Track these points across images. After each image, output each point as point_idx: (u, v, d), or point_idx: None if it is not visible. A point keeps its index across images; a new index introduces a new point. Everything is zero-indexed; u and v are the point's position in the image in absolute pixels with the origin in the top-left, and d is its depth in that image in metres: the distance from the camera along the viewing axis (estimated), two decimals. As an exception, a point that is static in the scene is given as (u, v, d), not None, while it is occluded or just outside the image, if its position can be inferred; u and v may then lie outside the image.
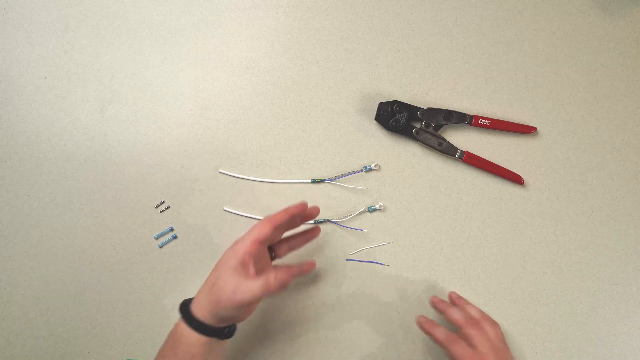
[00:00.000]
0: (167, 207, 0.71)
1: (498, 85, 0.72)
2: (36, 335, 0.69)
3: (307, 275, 0.64)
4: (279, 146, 0.72)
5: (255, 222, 0.69)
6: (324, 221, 0.70)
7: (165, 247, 0.70)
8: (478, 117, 0.70)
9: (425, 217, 0.69)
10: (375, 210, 0.69)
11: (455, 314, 0.62)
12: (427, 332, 0.62)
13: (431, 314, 0.67)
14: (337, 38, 0.73)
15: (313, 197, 0.70)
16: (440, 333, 0.60)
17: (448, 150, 0.69)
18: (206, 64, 0.74)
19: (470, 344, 0.58)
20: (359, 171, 0.71)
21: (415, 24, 0.73)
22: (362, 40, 0.73)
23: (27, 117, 0.73)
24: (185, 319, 0.55)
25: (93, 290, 0.69)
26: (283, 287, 0.53)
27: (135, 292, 0.70)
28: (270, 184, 0.71)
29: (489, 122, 0.69)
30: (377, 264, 0.69)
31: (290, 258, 0.65)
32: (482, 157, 0.69)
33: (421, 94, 0.72)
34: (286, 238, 0.63)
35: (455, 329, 0.61)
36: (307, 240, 0.64)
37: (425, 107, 0.70)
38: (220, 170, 0.71)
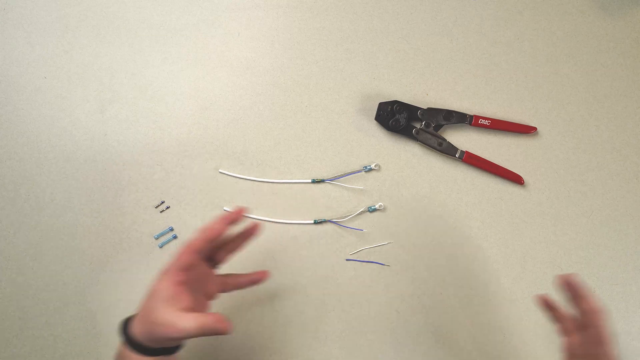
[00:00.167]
0: (167, 207, 0.71)
1: (498, 85, 0.72)
2: (36, 335, 0.69)
3: (259, 284, 0.60)
4: (279, 146, 0.72)
5: (255, 222, 0.70)
6: (324, 221, 0.70)
7: (165, 247, 0.70)
8: (478, 117, 0.70)
9: (425, 217, 0.69)
10: (375, 210, 0.69)
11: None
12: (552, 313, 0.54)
13: (433, 313, 0.67)
14: (337, 38, 0.73)
15: (313, 197, 0.70)
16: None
17: (448, 150, 0.69)
18: (206, 64, 0.74)
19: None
20: (359, 171, 0.71)
21: (415, 24, 0.73)
22: (362, 40, 0.73)
23: (27, 117, 0.73)
24: (128, 343, 0.52)
25: (93, 290, 0.69)
26: (219, 334, 0.49)
27: (135, 292, 0.69)
28: (270, 184, 0.71)
29: (489, 122, 0.69)
30: (377, 264, 0.69)
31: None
32: (482, 157, 0.69)
33: (421, 94, 0.72)
34: (224, 242, 0.58)
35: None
36: (246, 240, 0.59)
37: (425, 107, 0.70)
38: (220, 170, 0.71)
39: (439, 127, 0.70)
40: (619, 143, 0.70)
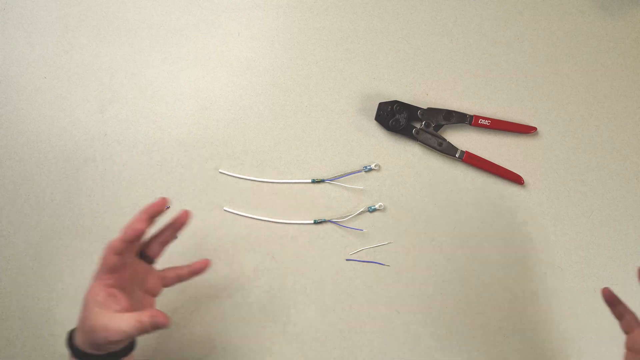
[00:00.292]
0: (167, 207, 0.70)
1: (498, 85, 0.72)
2: (36, 335, 0.69)
3: (202, 274, 0.59)
4: (279, 146, 0.72)
5: (255, 222, 0.70)
6: (324, 221, 0.70)
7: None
8: (478, 117, 0.70)
9: (425, 217, 0.69)
10: (375, 210, 0.69)
11: None
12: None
13: (432, 313, 0.67)
14: (337, 38, 0.73)
15: (313, 197, 0.70)
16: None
17: (448, 150, 0.69)
18: (206, 64, 0.74)
19: None
20: (359, 171, 0.71)
21: (415, 24, 0.73)
22: (362, 40, 0.73)
23: (27, 117, 0.73)
24: (74, 354, 0.51)
25: (93, 290, 0.69)
26: (159, 328, 0.48)
27: (135, 292, 0.70)
28: (270, 184, 0.71)
29: (489, 122, 0.69)
30: (377, 264, 0.69)
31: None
32: (482, 157, 0.69)
33: (421, 94, 0.72)
34: (155, 236, 0.58)
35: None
36: (177, 230, 0.58)
37: (425, 107, 0.70)
38: (220, 170, 0.71)
39: (439, 127, 0.70)
40: (619, 143, 0.70)
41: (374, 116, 0.70)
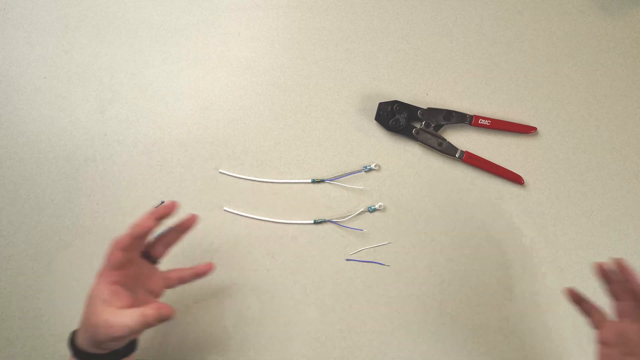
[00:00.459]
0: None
1: (498, 85, 0.72)
2: (36, 335, 0.69)
3: (205, 277, 0.59)
4: (279, 146, 0.72)
5: (255, 222, 0.70)
6: (324, 221, 0.70)
7: (165, 247, 0.70)
8: (478, 117, 0.70)
9: (425, 217, 0.69)
10: (375, 210, 0.69)
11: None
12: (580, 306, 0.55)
13: (432, 313, 0.67)
14: (337, 38, 0.73)
15: (313, 197, 0.70)
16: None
17: (448, 150, 0.69)
18: (206, 64, 0.74)
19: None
20: (359, 171, 0.71)
21: (415, 24, 0.73)
22: (362, 40, 0.73)
23: (27, 117, 0.73)
24: (76, 355, 0.51)
25: (93, 290, 0.69)
26: (164, 320, 0.49)
27: (135, 292, 0.70)
28: (270, 184, 0.71)
29: (489, 122, 0.69)
30: (377, 264, 0.69)
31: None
32: (482, 157, 0.69)
33: (421, 94, 0.72)
34: (160, 236, 0.58)
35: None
36: (183, 233, 0.58)
37: (425, 107, 0.70)
38: (220, 170, 0.71)
39: (439, 127, 0.70)
40: (619, 143, 0.70)
41: (374, 116, 0.70)
